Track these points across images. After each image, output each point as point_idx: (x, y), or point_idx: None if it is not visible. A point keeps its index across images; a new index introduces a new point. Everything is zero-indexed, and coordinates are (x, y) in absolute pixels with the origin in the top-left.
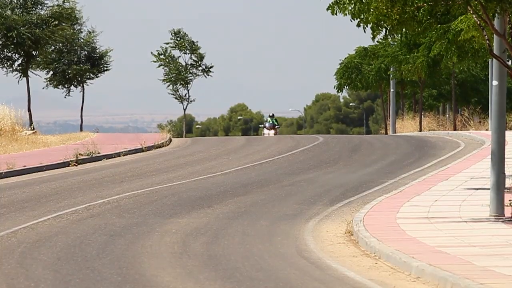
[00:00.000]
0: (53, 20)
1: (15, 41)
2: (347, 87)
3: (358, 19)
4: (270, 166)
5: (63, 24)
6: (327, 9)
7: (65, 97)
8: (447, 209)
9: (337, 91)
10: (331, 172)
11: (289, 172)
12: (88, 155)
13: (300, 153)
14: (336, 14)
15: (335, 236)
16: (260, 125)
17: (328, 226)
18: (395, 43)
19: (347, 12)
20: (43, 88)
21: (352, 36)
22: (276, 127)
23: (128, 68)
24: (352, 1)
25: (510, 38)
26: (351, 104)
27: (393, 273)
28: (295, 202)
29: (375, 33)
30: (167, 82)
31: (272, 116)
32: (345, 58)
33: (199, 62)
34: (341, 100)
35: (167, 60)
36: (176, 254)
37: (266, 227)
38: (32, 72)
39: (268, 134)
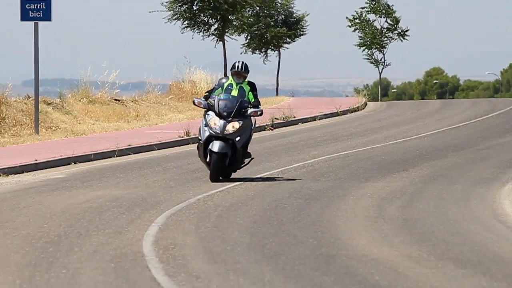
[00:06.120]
0: None
1: (212, 5)
2: None
3: None
4: (466, 130)
5: None
6: None
7: (264, 63)
8: None
9: None
10: None
11: (485, 136)
12: (283, 119)
13: (497, 116)
14: None
15: None
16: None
17: None
18: None
19: None
20: (241, 53)
21: None
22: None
23: (324, 33)
24: None
25: None
26: None
27: None
28: (491, 166)
29: None
30: (362, 46)
31: (239, 70)
32: None
33: (395, 26)
34: None
35: (362, 24)
36: (371, 218)
37: (462, 191)
38: (229, 37)
39: (215, 126)
